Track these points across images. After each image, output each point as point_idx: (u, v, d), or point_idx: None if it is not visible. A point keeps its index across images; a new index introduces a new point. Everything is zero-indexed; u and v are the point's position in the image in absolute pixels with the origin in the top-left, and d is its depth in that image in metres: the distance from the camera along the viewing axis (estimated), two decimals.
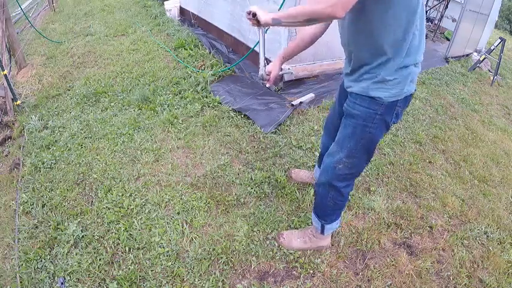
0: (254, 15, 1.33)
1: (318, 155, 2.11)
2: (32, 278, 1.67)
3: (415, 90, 1.45)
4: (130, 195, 2.14)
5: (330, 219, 1.74)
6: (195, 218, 2.01)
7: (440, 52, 5.90)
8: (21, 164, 2.48)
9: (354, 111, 1.46)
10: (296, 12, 1.21)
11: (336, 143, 1.58)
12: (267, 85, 1.68)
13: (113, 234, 1.88)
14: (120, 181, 2.24)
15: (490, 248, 2.10)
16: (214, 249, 1.82)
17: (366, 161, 1.59)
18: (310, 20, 1.20)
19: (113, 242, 1.84)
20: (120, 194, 2.13)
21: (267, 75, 1.64)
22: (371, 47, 1.33)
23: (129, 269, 1.71)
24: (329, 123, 1.88)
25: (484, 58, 5.43)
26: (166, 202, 2.10)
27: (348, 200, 1.74)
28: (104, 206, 2.04)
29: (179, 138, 2.69)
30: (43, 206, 2.07)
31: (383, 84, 1.36)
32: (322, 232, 1.78)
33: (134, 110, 3.04)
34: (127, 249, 1.81)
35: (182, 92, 3.31)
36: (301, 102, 3.23)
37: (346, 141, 1.51)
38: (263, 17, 1.30)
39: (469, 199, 2.50)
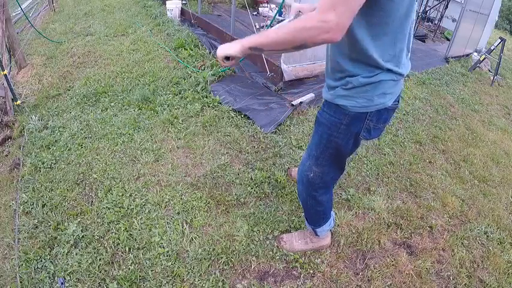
0: (228, 58, 1.19)
1: None
2: (32, 278, 1.67)
3: (396, 104, 1.32)
4: (130, 195, 2.14)
5: (318, 224, 1.76)
6: (195, 218, 2.01)
7: (440, 52, 5.91)
8: (21, 164, 2.48)
9: (321, 118, 1.39)
10: (283, 39, 1.03)
11: (306, 150, 1.56)
12: None
13: (113, 234, 1.88)
14: (120, 181, 2.24)
15: (490, 248, 2.10)
16: (214, 249, 1.82)
17: (337, 170, 1.55)
18: (300, 47, 1.04)
19: (113, 242, 1.84)
20: (120, 194, 2.13)
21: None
22: (354, 53, 1.19)
23: (129, 269, 1.71)
24: None
25: (484, 58, 5.44)
26: (166, 202, 2.10)
27: (330, 206, 1.73)
28: (104, 206, 2.04)
29: (179, 138, 2.69)
30: (43, 206, 2.07)
31: (349, 92, 1.25)
32: (316, 235, 1.81)
33: (134, 110, 3.04)
34: (127, 249, 1.81)
35: (182, 92, 3.31)
36: (301, 102, 3.22)
37: (313, 149, 1.47)
38: (236, 49, 1.15)
39: (469, 199, 2.50)
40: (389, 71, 1.20)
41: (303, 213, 1.83)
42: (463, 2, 5.50)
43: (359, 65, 1.20)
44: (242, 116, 3.01)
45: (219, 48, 1.21)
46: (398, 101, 1.35)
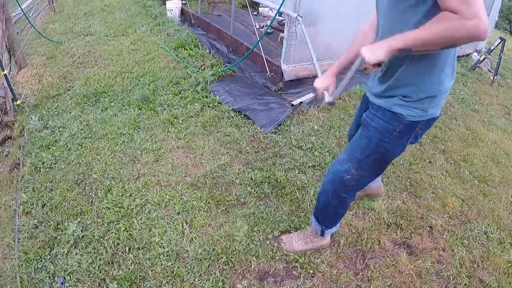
0: (379, 65, 1.13)
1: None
2: (32, 278, 1.67)
3: (440, 115, 1.38)
4: (130, 195, 2.14)
5: (330, 225, 1.75)
6: (195, 218, 2.01)
7: None
8: (21, 164, 2.48)
9: (372, 123, 1.40)
10: (433, 38, 1.02)
11: (346, 151, 1.52)
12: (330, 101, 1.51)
13: (113, 234, 1.88)
14: (120, 181, 2.24)
15: (490, 248, 2.10)
16: (214, 249, 1.82)
17: (374, 175, 1.55)
18: (448, 46, 1.07)
19: (113, 242, 1.84)
20: (120, 194, 2.13)
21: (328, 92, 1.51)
22: (421, 67, 1.23)
23: (129, 269, 1.71)
24: (350, 132, 1.82)
25: (484, 58, 5.43)
26: (166, 202, 2.10)
27: (348, 207, 1.72)
28: (104, 206, 2.04)
29: (179, 138, 2.69)
30: (43, 206, 2.07)
31: (408, 102, 1.29)
32: (322, 235, 1.79)
33: (134, 110, 3.04)
34: (127, 249, 1.81)
35: (182, 92, 3.31)
36: (301, 102, 3.22)
37: (357, 152, 1.46)
38: (386, 53, 1.10)
39: (469, 199, 2.50)
40: (444, 83, 1.27)
41: (314, 214, 1.76)
42: None
43: (425, 78, 1.25)
44: (242, 116, 3.01)
45: (368, 55, 1.12)
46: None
